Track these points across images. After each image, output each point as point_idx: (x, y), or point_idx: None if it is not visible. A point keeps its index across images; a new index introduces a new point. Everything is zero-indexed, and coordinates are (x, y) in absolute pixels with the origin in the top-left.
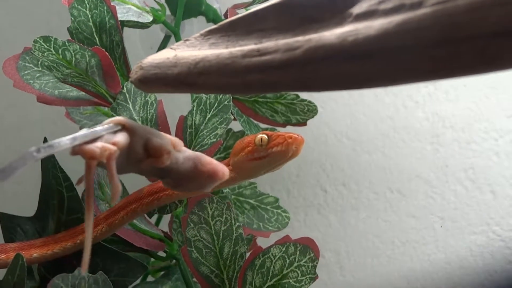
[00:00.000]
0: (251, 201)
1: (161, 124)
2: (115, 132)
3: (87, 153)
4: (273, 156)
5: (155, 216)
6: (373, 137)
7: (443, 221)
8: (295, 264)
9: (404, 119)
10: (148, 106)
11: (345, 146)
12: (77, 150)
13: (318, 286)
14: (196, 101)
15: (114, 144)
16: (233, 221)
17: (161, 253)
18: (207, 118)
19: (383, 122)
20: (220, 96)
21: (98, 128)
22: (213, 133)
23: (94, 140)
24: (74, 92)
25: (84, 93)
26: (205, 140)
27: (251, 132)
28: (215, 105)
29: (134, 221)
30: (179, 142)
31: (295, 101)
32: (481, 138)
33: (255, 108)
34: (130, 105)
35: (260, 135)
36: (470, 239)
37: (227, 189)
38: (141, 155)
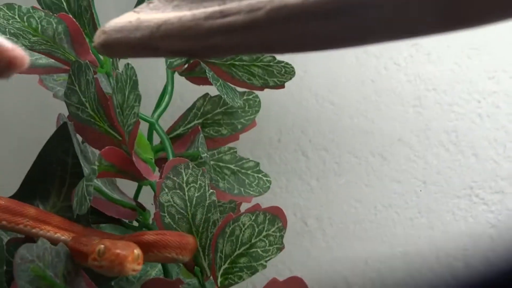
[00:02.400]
0: (231, 166)
1: (102, 101)
2: None
3: None
4: (105, 268)
5: (133, 187)
6: (354, 100)
7: (425, 185)
8: (264, 233)
9: (385, 82)
10: (89, 85)
11: (326, 110)
12: None
13: (301, 253)
14: (114, 79)
15: None
16: (207, 188)
17: (134, 223)
18: (126, 96)
19: (365, 85)
20: (129, 72)
21: None
22: (132, 112)
23: None
24: (43, 60)
25: (53, 60)
26: (129, 120)
27: (228, 97)
28: (128, 82)
29: (106, 190)
30: None
31: (271, 63)
32: (464, 100)
33: (231, 72)
34: (77, 87)
35: (98, 247)
36: (453, 203)
37: (205, 154)
38: None
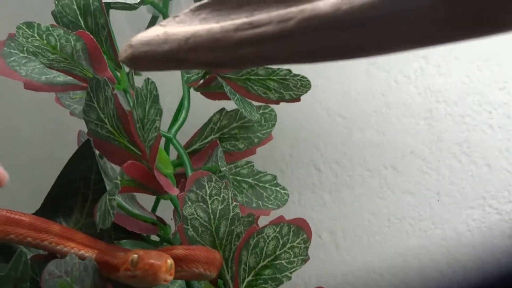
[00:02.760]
0: (249, 180)
1: (122, 116)
2: None
3: None
4: (138, 278)
5: (151, 201)
6: (365, 114)
7: (438, 196)
8: (288, 245)
9: (396, 94)
10: (108, 101)
11: (337, 124)
12: None
13: (316, 266)
14: (135, 94)
15: None
16: (230, 200)
17: (155, 238)
18: (146, 111)
19: (375, 99)
20: (149, 86)
21: None
22: (153, 126)
23: None
24: (61, 78)
25: (71, 78)
26: (150, 134)
27: (245, 111)
28: (148, 96)
29: (126, 205)
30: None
31: (287, 77)
32: (475, 111)
33: (247, 86)
34: (96, 104)
35: (131, 257)
36: (466, 214)
37: (225, 168)
38: None
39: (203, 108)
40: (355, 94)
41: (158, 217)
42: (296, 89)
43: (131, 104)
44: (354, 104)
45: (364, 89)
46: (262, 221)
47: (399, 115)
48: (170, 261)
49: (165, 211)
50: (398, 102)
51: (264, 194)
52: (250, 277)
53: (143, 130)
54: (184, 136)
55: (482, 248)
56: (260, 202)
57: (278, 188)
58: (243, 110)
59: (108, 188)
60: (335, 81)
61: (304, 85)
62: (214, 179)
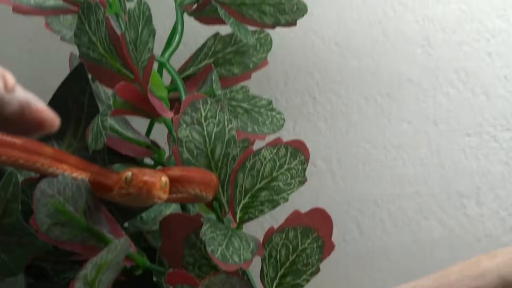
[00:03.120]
0: (244, 104)
1: (114, 39)
2: None
3: None
4: (132, 196)
5: (146, 122)
6: (362, 42)
7: (435, 124)
8: (285, 166)
9: (393, 23)
10: (100, 25)
11: (333, 53)
12: None
13: (310, 194)
14: (127, 16)
15: None
16: (226, 123)
17: (149, 162)
18: (139, 32)
19: (372, 27)
20: (142, 7)
21: None
22: (146, 47)
23: None
24: (51, 1)
25: (61, 1)
26: (143, 56)
27: (240, 34)
28: (141, 17)
29: (120, 128)
30: (11, 81)
31: (283, 1)
32: (473, 39)
33: (241, 11)
34: (87, 27)
35: (125, 174)
36: (463, 141)
37: (220, 92)
38: None
39: (196, 34)
40: (351, 23)
41: (151, 141)
42: (292, 13)
43: (123, 27)
44: (350, 33)
45: (361, 17)
46: (258, 146)
47: (396, 43)
48: (164, 178)
49: (159, 136)
50: (395, 30)
51: (260, 118)
52: (246, 199)
53: (135, 52)
54: (177, 62)
55: (479, 175)
56: (255, 127)
57: (273, 113)
58: (238, 33)
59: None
60: (330, 10)
61: (300, 8)
62: (209, 102)
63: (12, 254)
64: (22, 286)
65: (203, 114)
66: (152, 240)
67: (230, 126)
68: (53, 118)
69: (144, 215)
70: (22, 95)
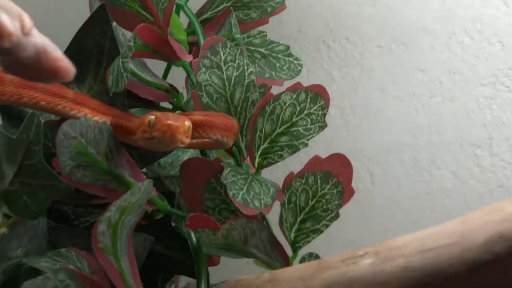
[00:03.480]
0: (262, 49)
1: None
2: None
3: None
4: (156, 140)
5: (162, 67)
6: None
7: (449, 74)
8: (305, 111)
9: None
10: None
11: (347, 0)
12: None
13: (323, 144)
14: None
15: None
16: (245, 67)
17: (167, 106)
18: None
19: None
20: None
21: None
22: None
23: None
24: None
25: None
26: None
27: None
28: None
29: (139, 72)
30: (29, 24)
31: None
32: None
33: None
34: None
35: (148, 117)
36: (477, 91)
37: (239, 35)
38: None
39: None
40: None
41: (170, 85)
42: None
43: None
44: None
45: None
46: (274, 91)
47: None
48: (188, 123)
49: (176, 80)
50: None
51: (277, 64)
52: (265, 144)
53: None
54: (193, 6)
55: (492, 126)
56: (273, 72)
57: (291, 59)
58: None
59: (121, 52)
60: None
61: None
62: (229, 45)
63: (34, 196)
64: (44, 228)
65: (223, 58)
66: (169, 185)
67: (249, 70)
68: (69, 68)
69: (161, 160)
70: (39, 40)
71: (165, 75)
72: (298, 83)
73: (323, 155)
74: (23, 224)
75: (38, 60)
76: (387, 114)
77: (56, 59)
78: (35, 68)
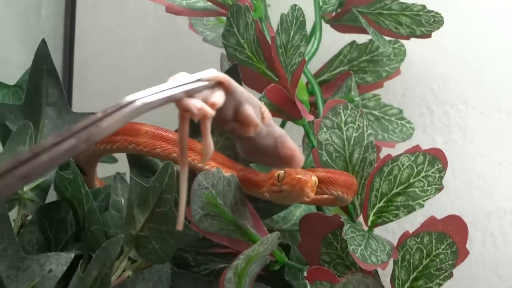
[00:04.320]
0: (375, 112)
1: (262, 42)
2: (213, 87)
3: (184, 107)
4: (284, 193)
5: None
6: (482, 57)
7: None
8: (423, 173)
9: None
10: (249, 27)
11: (453, 66)
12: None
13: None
14: (279, 20)
15: (212, 105)
16: (365, 129)
17: None
18: (291, 36)
19: (494, 45)
20: (296, 13)
21: (199, 85)
22: (297, 52)
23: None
24: (201, 3)
25: (211, 3)
26: (293, 59)
27: (380, 43)
28: (294, 22)
29: None
30: (268, 115)
31: (421, 13)
32: None
33: (378, 21)
34: (235, 29)
35: (278, 172)
36: None
37: (358, 98)
38: (229, 116)
39: (329, 41)
40: (474, 35)
41: None
42: (428, 25)
43: (266, 31)
44: (472, 47)
45: (484, 31)
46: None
47: None
48: (314, 178)
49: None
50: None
51: (390, 127)
52: (381, 203)
53: (285, 56)
54: (310, 68)
55: None
56: (385, 135)
57: (403, 122)
58: (378, 42)
59: None
60: (453, 23)
61: (437, 21)
62: (350, 107)
63: (163, 242)
64: (168, 273)
65: (343, 119)
66: (282, 239)
67: (368, 132)
68: (301, 156)
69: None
70: (277, 130)
71: None
72: (417, 146)
73: (422, 216)
74: (149, 269)
75: (275, 147)
76: (488, 180)
77: (290, 148)
78: (270, 154)
